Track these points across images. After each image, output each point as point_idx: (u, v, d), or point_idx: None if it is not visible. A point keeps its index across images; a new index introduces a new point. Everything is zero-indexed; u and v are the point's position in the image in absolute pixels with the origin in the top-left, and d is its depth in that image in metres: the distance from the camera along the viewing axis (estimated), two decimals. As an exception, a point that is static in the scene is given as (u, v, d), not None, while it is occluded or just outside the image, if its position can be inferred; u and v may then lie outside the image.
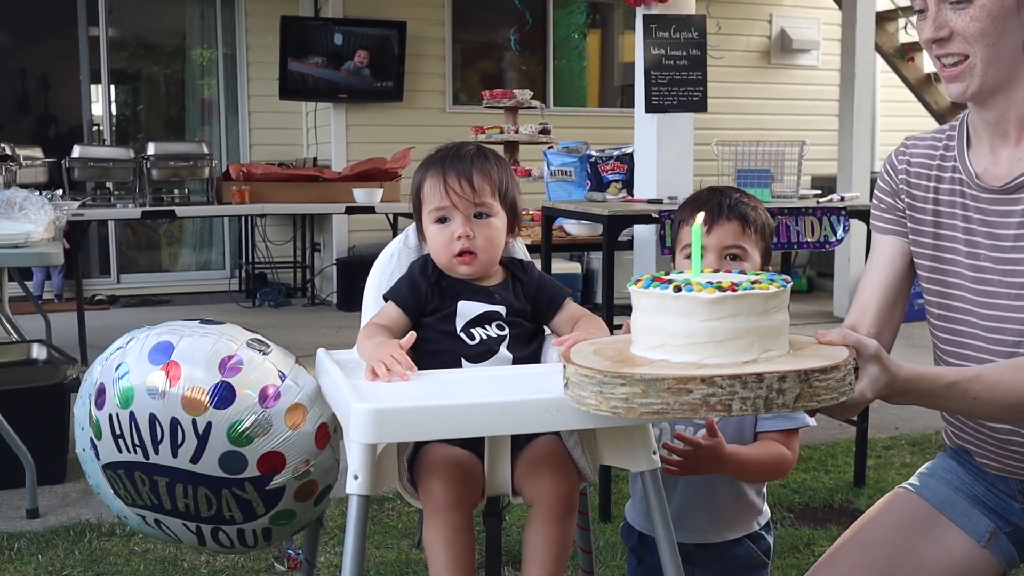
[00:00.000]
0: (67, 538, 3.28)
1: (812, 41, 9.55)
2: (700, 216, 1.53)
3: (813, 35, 9.56)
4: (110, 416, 1.81)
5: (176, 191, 6.87)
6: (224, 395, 1.75)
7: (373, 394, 1.58)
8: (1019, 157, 1.52)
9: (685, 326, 1.23)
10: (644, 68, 4.19)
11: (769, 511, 2.05)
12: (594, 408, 1.22)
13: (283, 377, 1.80)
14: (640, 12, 4.20)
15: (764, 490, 2.02)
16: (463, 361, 1.83)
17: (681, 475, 1.83)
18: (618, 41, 9.55)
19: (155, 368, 1.78)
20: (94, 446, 1.86)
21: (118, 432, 1.80)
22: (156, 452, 1.78)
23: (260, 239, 8.44)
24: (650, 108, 4.22)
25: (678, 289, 1.24)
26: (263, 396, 1.77)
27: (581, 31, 9.28)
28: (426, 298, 1.88)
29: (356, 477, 1.54)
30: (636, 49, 4.26)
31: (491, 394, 1.35)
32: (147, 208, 6.58)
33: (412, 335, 1.78)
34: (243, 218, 8.24)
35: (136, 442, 1.79)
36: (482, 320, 1.87)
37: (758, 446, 1.88)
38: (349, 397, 1.54)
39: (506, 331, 1.87)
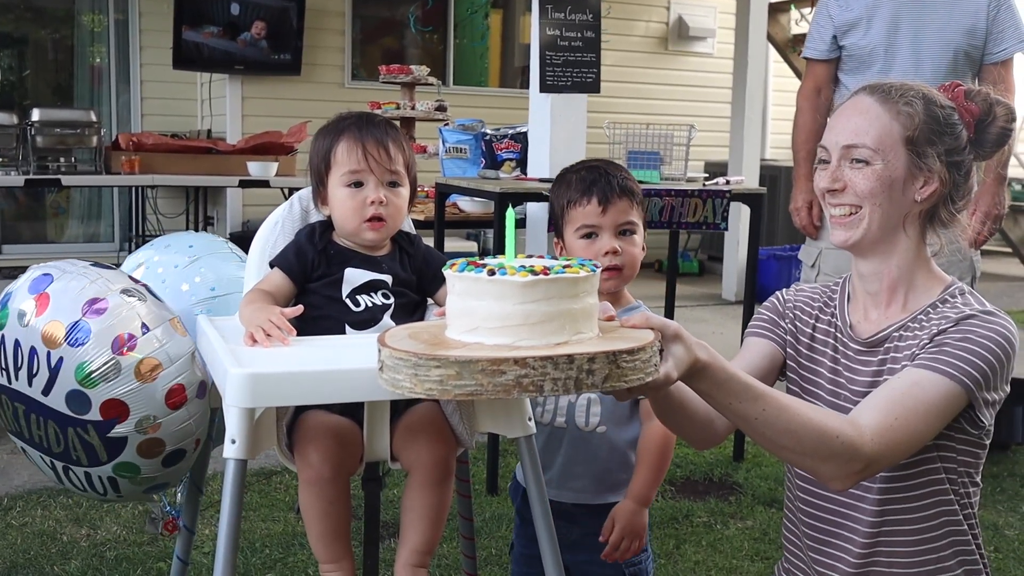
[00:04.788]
0: (-61, 511, 3.20)
1: (708, 29, 9.73)
2: (512, 209, 1.56)
3: (709, 23, 9.74)
4: None
5: (62, 159, 6.66)
6: (79, 334, 1.78)
7: (251, 359, 1.59)
8: (885, 318, 1.69)
9: (499, 309, 1.25)
10: (539, 48, 4.23)
11: None
12: (409, 391, 1.23)
13: (145, 329, 1.81)
14: (537, -8, 4.25)
15: None
16: (347, 328, 1.85)
17: (635, 554, 1.98)
18: (520, 22, 9.58)
19: (29, 297, 1.85)
20: None
21: None
22: (16, 378, 1.84)
23: (151, 211, 8.24)
24: (544, 88, 4.26)
25: (492, 273, 1.26)
26: (117, 343, 1.78)
27: (483, 11, 9.29)
28: (313, 265, 1.89)
29: (233, 441, 1.55)
30: (532, 29, 4.30)
31: (368, 360, 1.37)
32: (31, 176, 6.37)
33: (300, 308, 1.79)
34: (133, 189, 8.03)
35: (3, 365, 1.86)
36: (368, 288, 1.89)
37: (643, 451, 1.98)
38: (226, 362, 1.55)
39: (391, 300, 1.90)
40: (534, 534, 1.75)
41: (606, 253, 1.94)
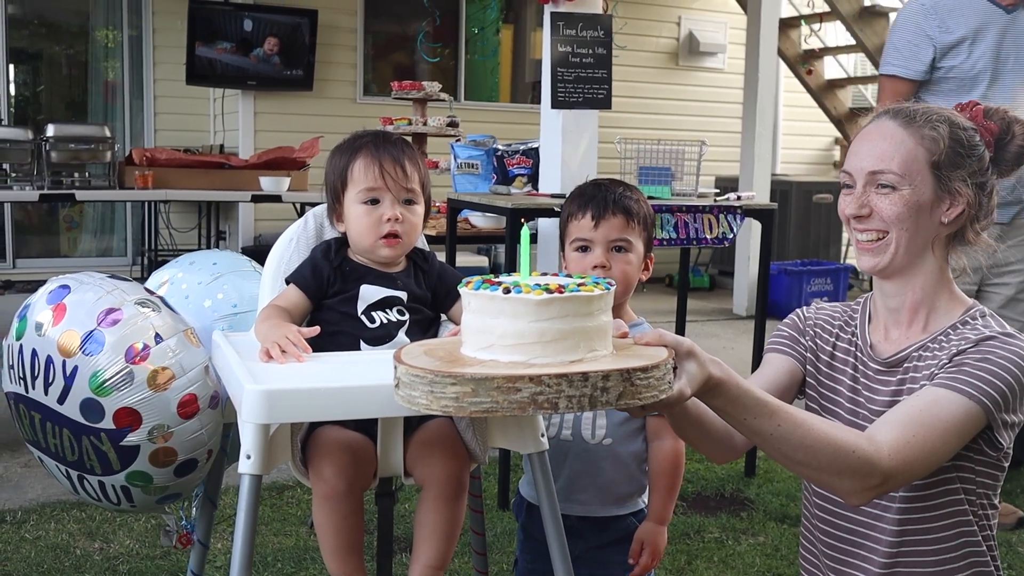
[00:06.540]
0: (-46, 525, 3.22)
1: (719, 44, 9.75)
2: (528, 225, 1.61)
3: (720, 39, 9.76)
4: (8, 347, 1.95)
5: (76, 174, 6.69)
6: (94, 343, 1.83)
7: (266, 375, 1.60)
8: (906, 338, 1.70)
9: (514, 327, 1.26)
10: (551, 64, 4.25)
11: None
12: (425, 408, 1.24)
13: (159, 339, 1.85)
14: (548, 9, 4.27)
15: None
16: (362, 344, 1.87)
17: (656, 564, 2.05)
18: (530, 38, 9.62)
19: (47, 308, 1.90)
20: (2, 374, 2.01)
21: (11, 363, 1.94)
22: (33, 387, 1.88)
23: (164, 226, 8.29)
24: (556, 104, 4.28)
25: (507, 291, 1.27)
26: (131, 352, 1.82)
27: (494, 26, 9.33)
28: (328, 281, 1.91)
29: (248, 457, 1.56)
30: (543, 46, 4.33)
31: (383, 376, 1.38)
32: (45, 191, 6.40)
33: (316, 329, 1.80)
34: (146, 204, 8.08)
35: (21, 374, 1.91)
36: (383, 304, 1.91)
37: (656, 473, 2.02)
38: (242, 378, 1.56)
39: (406, 317, 1.91)
40: (538, 548, 1.76)
41: (594, 267, 1.99)
